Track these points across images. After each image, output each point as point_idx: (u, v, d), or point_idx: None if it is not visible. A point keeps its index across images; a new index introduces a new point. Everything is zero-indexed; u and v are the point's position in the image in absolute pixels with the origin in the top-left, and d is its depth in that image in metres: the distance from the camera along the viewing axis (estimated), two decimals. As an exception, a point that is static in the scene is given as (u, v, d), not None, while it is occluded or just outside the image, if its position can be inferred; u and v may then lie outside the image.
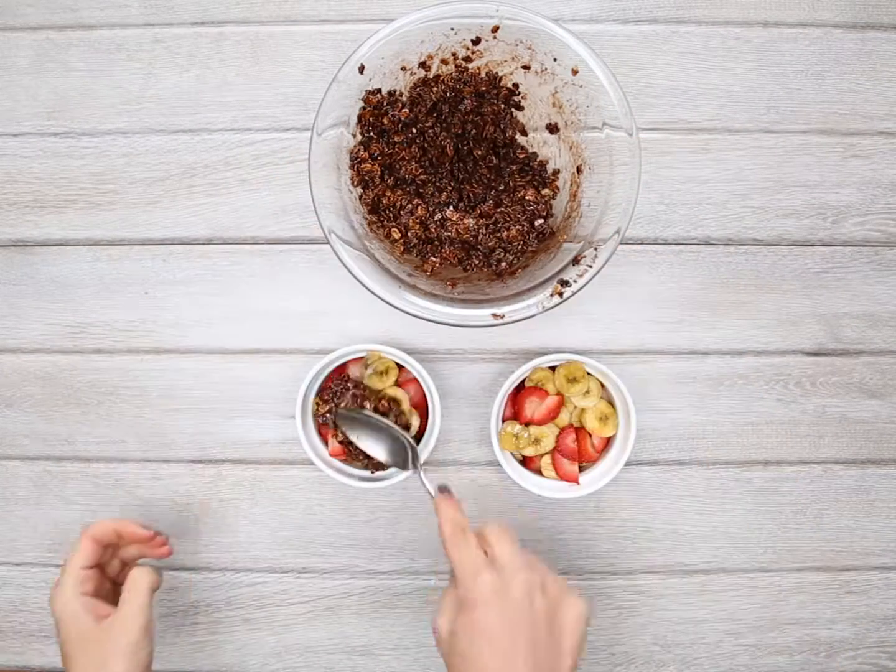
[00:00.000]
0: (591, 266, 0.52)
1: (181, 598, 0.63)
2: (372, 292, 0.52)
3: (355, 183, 0.56)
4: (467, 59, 0.56)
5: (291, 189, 0.63)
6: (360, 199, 0.57)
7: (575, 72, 0.52)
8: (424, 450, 0.59)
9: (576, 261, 0.53)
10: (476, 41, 0.54)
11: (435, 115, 0.58)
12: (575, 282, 0.52)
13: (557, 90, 0.55)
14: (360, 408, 0.58)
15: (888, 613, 0.63)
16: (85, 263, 0.63)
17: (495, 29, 0.53)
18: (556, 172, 0.59)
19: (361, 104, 0.55)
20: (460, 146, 0.59)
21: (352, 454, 0.59)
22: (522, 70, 0.56)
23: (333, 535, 0.63)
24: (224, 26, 0.63)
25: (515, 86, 0.58)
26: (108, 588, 0.54)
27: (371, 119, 0.55)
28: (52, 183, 0.63)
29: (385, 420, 0.57)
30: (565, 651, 0.43)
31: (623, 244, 0.61)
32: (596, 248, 0.52)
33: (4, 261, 0.63)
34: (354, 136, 0.55)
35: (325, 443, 0.60)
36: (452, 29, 0.53)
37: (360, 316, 0.63)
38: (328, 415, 0.58)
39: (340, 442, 0.59)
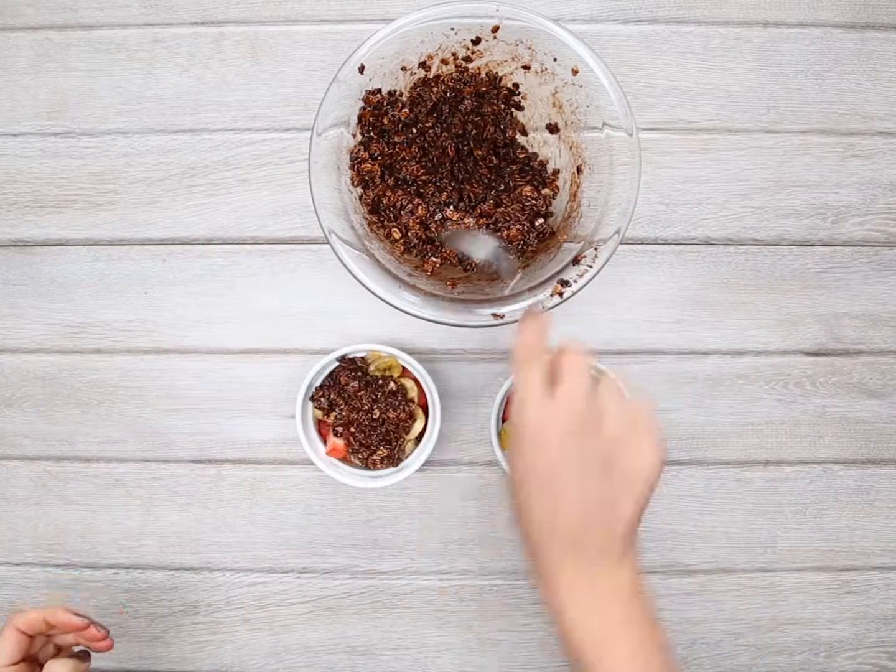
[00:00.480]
0: (591, 266, 0.52)
1: (181, 598, 0.63)
2: (372, 292, 0.52)
3: (355, 183, 0.56)
4: (467, 59, 0.56)
5: (291, 189, 0.63)
6: (360, 199, 0.57)
7: (575, 72, 0.52)
8: (424, 450, 0.59)
9: (576, 261, 0.53)
10: (476, 41, 0.54)
11: (435, 115, 0.58)
12: (575, 282, 0.52)
13: (557, 90, 0.55)
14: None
15: (888, 613, 0.63)
16: (85, 263, 0.63)
17: (495, 29, 0.53)
18: (555, 172, 0.59)
19: (361, 104, 0.55)
20: (461, 146, 0.59)
21: (353, 448, 0.59)
22: (522, 70, 0.56)
23: (333, 535, 0.63)
24: (224, 26, 0.63)
25: (515, 86, 0.58)
26: None
27: (371, 119, 0.55)
28: (52, 183, 0.63)
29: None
30: (628, 493, 0.38)
31: (623, 244, 0.61)
32: (596, 248, 0.52)
33: (4, 261, 0.63)
34: (354, 136, 0.55)
35: (324, 441, 0.60)
36: (452, 29, 0.53)
37: (360, 316, 0.63)
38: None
39: (338, 434, 0.58)
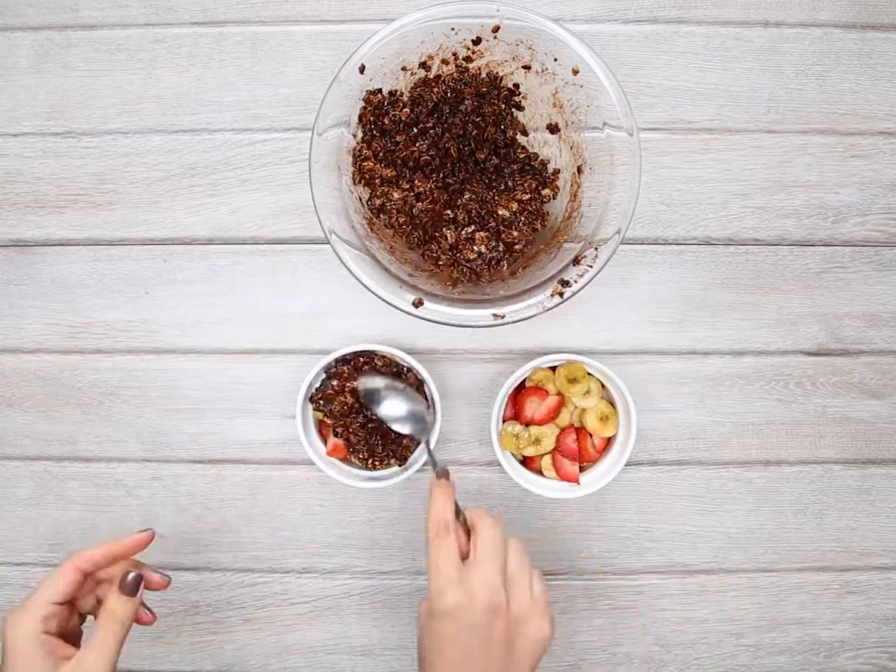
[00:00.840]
0: (591, 266, 0.52)
1: (182, 598, 0.63)
2: (372, 292, 0.52)
3: (356, 181, 0.56)
4: (468, 59, 0.56)
5: (292, 189, 0.63)
6: (360, 201, 0.57)
7: (575, 72, 0.52)
8: (425, 450, 0.59)
9: (576, 261, 0.53)
10: (477, 41, 0.54)
11: (436, 115, 0.58)
12: (575, 282, 0.52)
13: (558, 90, 0.55)
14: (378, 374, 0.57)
15: (889, 613, 0.63)
16: (85, 263, 0.63)
17: (496, 29, 0.53)
18: (556, 172, 0.59)
19: (362, 104, 0.55)
20: (462, 146, 0.59)
21: (353, 447, 0.59)
22: (523, 70, 0.56)
23: (334, 535, 0.63)
24: (224, 26, 0.63)
25: (516, 86, 0.58)
26: (76, 624, 0.49)
27: (372, 119, 0.55)
28: (53, 183, 0.63)
29: (406, 385, 0.57)
30: (523, 667, 0.44)
31: (623, 244, 0.61)
32: (596, 248, 0.52)
33: (5, 261, 0.63)
34: (355, 135, 0.55)
35: (325, 441, 0.60)
36: (453, 29, 0.53)
37: (360, 316, 0.63)
38: (356, 385, 0.57)
39: (338, 434, 0.58)
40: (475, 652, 0.43)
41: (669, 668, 0.63)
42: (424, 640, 0.44)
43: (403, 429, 0.55)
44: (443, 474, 0.48)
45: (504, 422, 0.61)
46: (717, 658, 0.62)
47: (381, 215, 0.57)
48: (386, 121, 0.56)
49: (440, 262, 0.57)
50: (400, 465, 0.60)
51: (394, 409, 0.55)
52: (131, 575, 0.46)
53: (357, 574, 0.63)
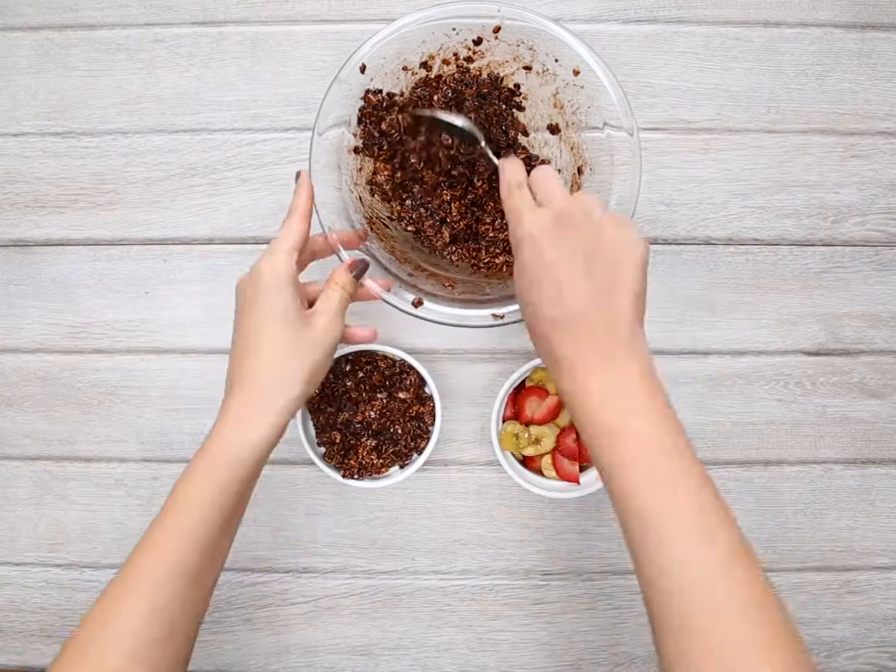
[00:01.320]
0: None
1: (181, 598, 0.63)
2: (367, 286, 0.52)
3: (369, 193, 0.56)
4: (468, 60, 0.56)
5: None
6: (360, 201, 0.56)
7: (576, 72, 0.52)
8: (425, 450, 0.59)
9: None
10: (477, 41, 0.54)
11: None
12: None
13: (559, 91, 0.55)
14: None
15: (889, 613, 0.63)
16: (85, 263, 0.63)
17: (497, 29, 0.53)
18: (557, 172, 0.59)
19: (362, 103, 0.55)
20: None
21: (347, 444, 0.59)
22: (524, 71, 0.56)
23: (334, 535, 0.63)
24: (224, 26, 0.63)
25: (517, 86, 0.58)
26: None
27: (372, 119, 0.55)
28: (53, 183, 0.63)
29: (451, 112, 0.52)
30: (622, 275, 0.39)
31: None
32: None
33: (5, 261, 0.63)
34: (355, 135, 0.55)
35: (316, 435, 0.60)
36: (454, 29, 0.53)
37: (360, 316, 0.62)
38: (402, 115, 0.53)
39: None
40: (566, 260, 0.39)
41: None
42: (521, 281, 0.41)
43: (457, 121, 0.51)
44: (508, 152, 0.48)
45: (504, 422, 0.61)
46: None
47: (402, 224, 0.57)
48: (384, 126, 0.56)
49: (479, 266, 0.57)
50: (400, 466, 0.60)
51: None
52: (361, 258, 0.49)
53: (357, 574, 0.63)
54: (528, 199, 0.43)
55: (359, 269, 0.48)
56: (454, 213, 0.56)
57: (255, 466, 0.43)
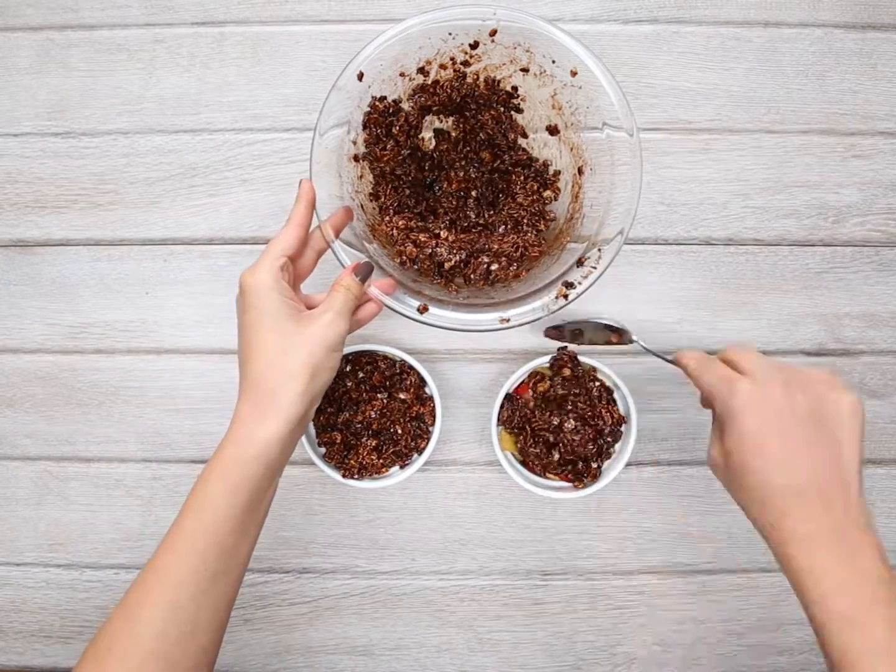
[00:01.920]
0: (595, 268, 0.52)
1: (182, 599, 0.63)
2: (372, 295, 0.52)
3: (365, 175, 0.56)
4: (466, 64, 0.56)
5: (292, 189, 0.62)
6: (362, 209, 0.56)
7: (574, 73, 0.52)
8: (425, 450, 0.59)
9: (580, 262, 0.53)
10: (474, 45, 0.54)
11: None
12: (580, 283, 0.52)
13: (557, 92, 0.55)
14: None
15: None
16: (85, 263, 0.63)
17: (493, 32, 0.53)
18: (556, 174, 0.59)
19: (367, 109, 0.55)
20: (465, 152, 0.59)
21: (347, 443, 0.59)
22: (521, 73, 0.56)
23: (334, 535, 0.63)
24: (225, 26, 0.63)
25: (514, 88, 0.58)
26: (300, 297, 0.50)
27: (378, 124, 0.56)
28: (53, 183, 0.63)
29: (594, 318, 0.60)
30: (845, 441, 0.41)
31: (624, 244, 0.61)
32: (600, 249, 0.52)
33: (5, 261, 0.63)
34: (355, 143, 0.55)
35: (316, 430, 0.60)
36: (450, 34, 0.53)
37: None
38: None
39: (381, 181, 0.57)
40: (792, 431, 0.40)
41: (670, 667, 0.63)
42: (735, 454, 0.42)
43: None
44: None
45: (500, 424, 0.61)
46: (717, 658, 0.62)
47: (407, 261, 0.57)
48: (394, 130, 0.56)
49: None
50: (400, 466, 0.60)
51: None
52: (364, 261, 0.49)
53: (357, 574, 0.63)
54: (726, 367, 0.44)
55: (363, 272, 0.49)
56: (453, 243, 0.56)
57: (267, 465, 0.43)
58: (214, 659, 0.44)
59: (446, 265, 0.55)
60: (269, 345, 0.44)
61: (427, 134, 0.59)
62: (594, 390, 0.60)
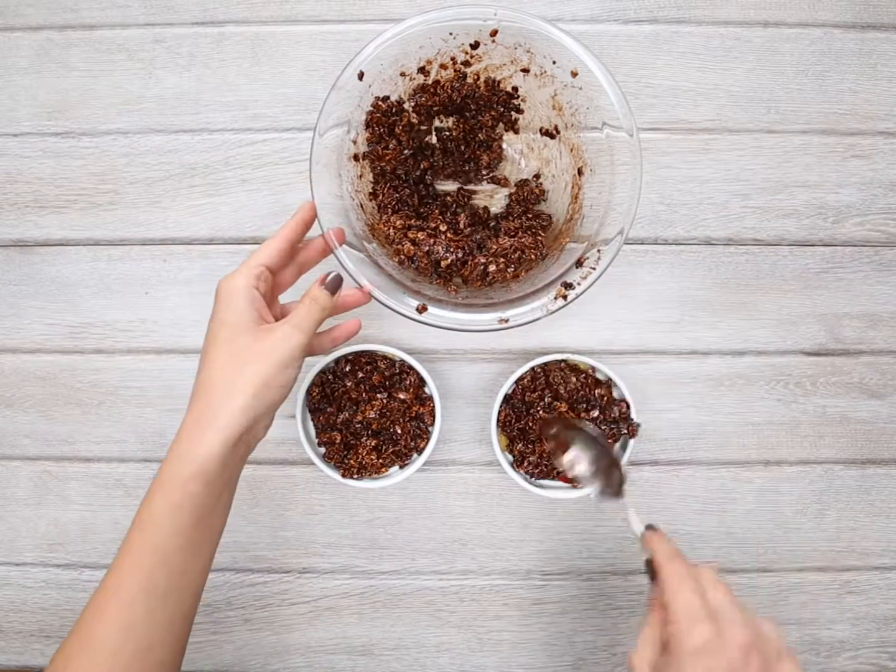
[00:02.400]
0: (594, 268, 0.52)
1: (181, 598, 0.63)
2: (375, 298, 0.52)
3: (363, 176, 0.56)
4: (466, 64, 0.56)
5: (292, 189, 0.63)
6: (361, 208, 0.57)
7: (574, 74, 0.52)
8: (425, 450, 0.59)
9: (579, 263, 0.53)
10: (475, 45, 0.54)
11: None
12: (579, 284, 0.52)
13: (557, 92, 0.55)
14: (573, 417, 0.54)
15: (889, 613, 0.63)
16: (85, 263, 0.63)
17: (494, 33, 0.53)
18: (536, 176, 0.59)
19: (369, 108, 0.55)
20: (464, 148, 0.59)
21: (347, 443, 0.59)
22: (522, 73, 0.56)
23: (334, 535, 0.63)
24: (225, 26, 0.63)
25: (515, 89, 0.58)
26: (276, 308, 0.49)
27: (381, 124, 0.56)
28: (53, 183, 0.63)
29: (599, 434, 0.53)
30: None
31: (624, 244, 0.61)
32: (599, 250, 0.52)
33: (5, 261, 0.63)
34: (356, 142, 0.55)
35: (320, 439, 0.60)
36: (451, 34, 0.53)
37: (359, 316, 0.62)
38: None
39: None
40: None
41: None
42: None
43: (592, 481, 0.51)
44: (652, 527, 0.47)
45: (499, 424, 0.61)
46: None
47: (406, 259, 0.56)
48: (397, 130, 0.56)
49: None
50: (400, 466, 0.60)
51: (578, 465, 0.52)
52: (333, 273, 0.48)
53: (357, 574, 0.63)
54: (697, 594, 0.41)
55: (331, 285, 0.47)
56: (452, 241, 0.56)
57: (206, 482, 0.41)
58: (178, 669, 0.44)
59: (443, 263, 0.55)
60: (221, 356, 0.43)
61: (432, 138, 0.59)
62: (597, 392, 0.60)
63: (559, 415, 0.58)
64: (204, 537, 0.43)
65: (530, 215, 0.59)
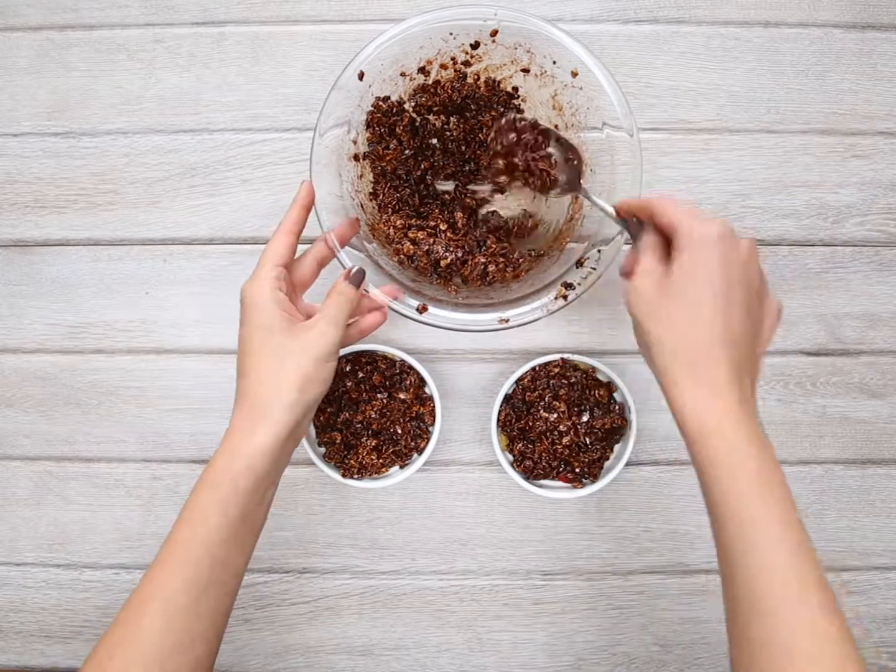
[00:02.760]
0: (594, 268, 0.52)
1: (182, 599, 0.63)
2: (372, 296, 0.52)
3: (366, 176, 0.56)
4: (466, 64, 0.56)
5: (292, 189, 0.61)
6: (362, 208, 0.57)
7: (574, 74, 0.52)
8: (425, 450, 0.59)
9: (579, 263, 0.53)
10: (475, 45, 0.54)
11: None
12: (579, 284, 0.52)
13: (557, 93, 0.55)
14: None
15: (889, 613, 0.63)
16: (85, 263, 0.63)
17: (494, 33, 0.53)
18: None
19: (370, 108, 0.55)
20: (464, 148, 0.59)
21: (347, 443, 0.59)
22: (522, 73, 0.56)
23: (334, 535, 0.63)
24: (224, 26, 0.63)
25: (515, 89, 0.58)
26: (299, 303, 0.50)
27: (381, 123, 0.56)
28: (53, 183, 0.63)
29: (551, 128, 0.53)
30: (764, 332, 0.43)
31: (625, 244, 0.61)
32: (599, 251, 0.52)
33: (5, 261, 0.63)
34: (356, 142, 0.55)
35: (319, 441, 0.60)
36: (451, 34, 0.53)
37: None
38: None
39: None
40: (743, 290, 0.41)
41: (670, 668, 0.63)
42: (682, 278, 0.42)
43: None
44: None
45: (499, 423, 0.61)
46: (716, 658, 0.63)
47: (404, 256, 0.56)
48: (398, 130, 0.56)
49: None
50: (400, 466, 0.60)
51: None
52: (356, 268, 0.49)
53: (357, 574, 0.63)
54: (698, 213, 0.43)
55: (355, 278, 0.48)
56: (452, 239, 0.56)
57: (256, 477, 0.43)
58: (212, 665, 0.44)
59: (442, 263, 0.55)
60: (262, 358, 0.45)
61: (434, 140, 0.59)
62: (597, 392, 0.60)
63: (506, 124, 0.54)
64: (248, 532, 0.44)
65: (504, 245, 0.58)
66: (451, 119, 0.59)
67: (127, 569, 0.63)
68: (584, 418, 0.59)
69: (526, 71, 0.55)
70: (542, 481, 0.60)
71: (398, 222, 0.56)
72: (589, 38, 0.62)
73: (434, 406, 0.59)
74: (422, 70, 0.55)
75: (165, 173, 0.63)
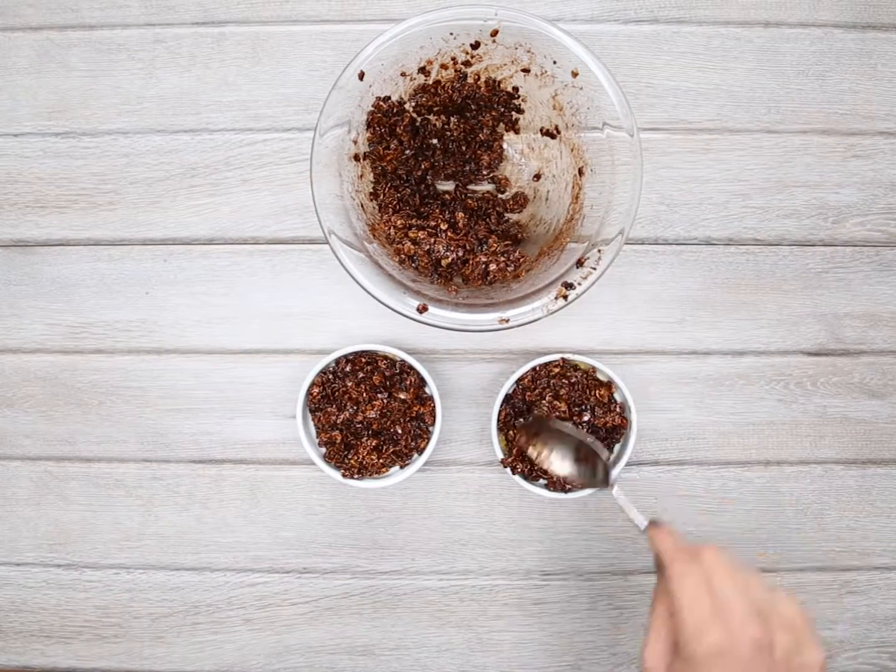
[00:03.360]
0: (594, 268, 0.52)
1: (182, 599, 0.63)
2: (375, 298, 0.52)
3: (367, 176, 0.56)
4: (467, 64, 0.56)
5: (292, 189, 0.63)
6: (362, 208, 0.57)
7: (575, 74, 0.52)
8: (425, 450, 0.59)
9: (579, 263, 0.53)
10: (475, 45, 0.54)
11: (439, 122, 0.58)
12: (579, 284, 0.52)
13: (558, 93, 0.55)
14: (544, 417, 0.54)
15: (889, 613, 0.63)
16: (85, 263, 0.63)
17: (494, 33, 0.53)
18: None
19: (370, 108, 0.55)
20: (465, 148, 0.59)
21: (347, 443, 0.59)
22: (522, 73, 0.56)
23: (334, 535, 0.63)
24: (225, 26, 0.63)
25: (515, 89, 0.58)
26: None
27: (382, 123, 0.56)
28: (53, 183, 0.63)
29: (574, 430, 0.53)
30: None
31: (624, 244, 0.61)
32: (599, 250, 0.52)
33: (5, 261, 0.63)
34: (356, 142, 0.55)
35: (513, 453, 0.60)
36: (451, 34, 0.53)
37: (360, 316, 0.63)
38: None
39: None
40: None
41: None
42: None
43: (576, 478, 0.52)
44: (656, 522, 0.46)
45: (499, 421, 0.60)
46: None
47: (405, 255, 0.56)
48: (398, 130, 0.56)
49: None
50: (400, 466, 0.60)
51: (558, 464, 0.52)
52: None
53: (357, 574, 0.63)
54: (705, 591, 0.40)
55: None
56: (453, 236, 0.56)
57: None
58: None
59: (443, 262, 0.55)
60: None
61: (434, 140, 0.59)
62: (597, 392, 0.60)
63: (533, 420, 0.57)
64: None
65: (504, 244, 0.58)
66: (452, 119, 0.59)
67: (127, 569, 0.63)
68: (585, 418, 0.59)
69: (526, 71, 0.55)
70: (543, 481, 0.60)
71: (399, 222, 0.56)
72: (589, 38, 0.62)
73: (434, 406, 0.59)
74: (422, 70, 0.55)
75: (166, 173, 0.63)
